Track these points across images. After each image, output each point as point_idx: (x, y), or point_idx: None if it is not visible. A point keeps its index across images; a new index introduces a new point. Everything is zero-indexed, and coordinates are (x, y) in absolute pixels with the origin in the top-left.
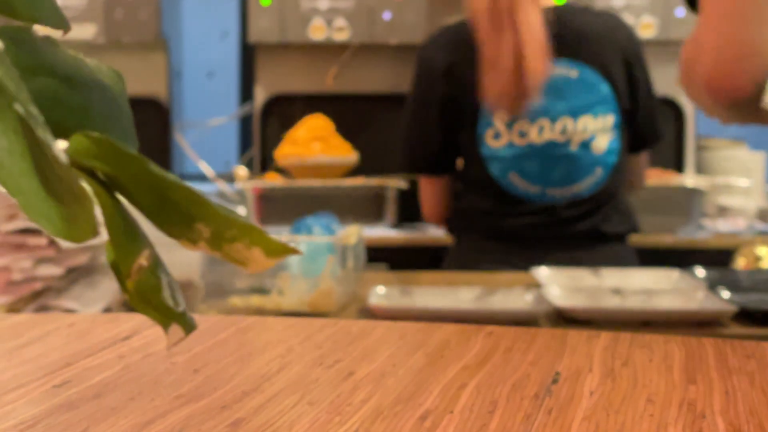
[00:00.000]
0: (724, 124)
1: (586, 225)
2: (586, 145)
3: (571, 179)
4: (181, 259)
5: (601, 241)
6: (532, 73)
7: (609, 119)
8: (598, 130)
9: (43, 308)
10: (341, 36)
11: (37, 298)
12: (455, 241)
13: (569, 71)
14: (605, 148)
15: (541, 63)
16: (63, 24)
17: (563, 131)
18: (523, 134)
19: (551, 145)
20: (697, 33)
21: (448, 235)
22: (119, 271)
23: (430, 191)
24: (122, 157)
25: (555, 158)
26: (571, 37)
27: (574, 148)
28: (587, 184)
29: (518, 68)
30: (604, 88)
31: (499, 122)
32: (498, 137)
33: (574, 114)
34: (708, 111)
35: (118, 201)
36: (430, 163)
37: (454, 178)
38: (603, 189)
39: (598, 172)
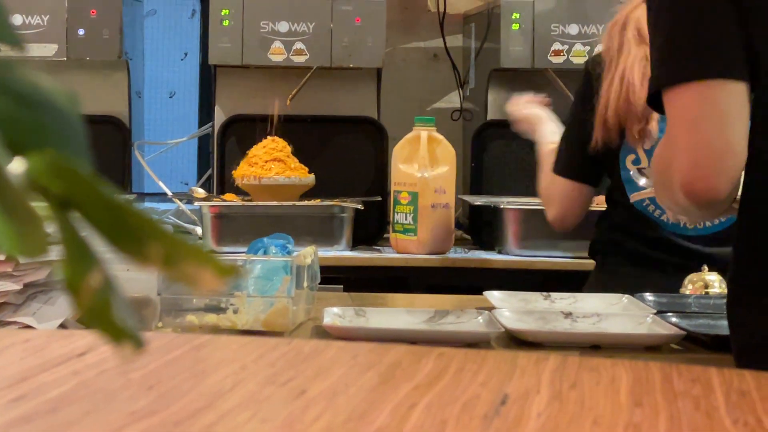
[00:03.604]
0: (692, 224)
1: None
2: None
3: None
4: (137, 277)
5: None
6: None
7: None
8: None
9: (0, 324)
10: (300, 59)
11: None
12: (597, 263)
13: None
14: None
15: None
16: (19, 43)
17: None
18: None
19: None
20: (670, 136)
21: (593, 257)
22: (72, 288)
23: (565, 195)
24: (75, 177)
25: None
26: None
27: None
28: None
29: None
30: None
31: (639, 148)
32: (637, 162)
33: None
34: (680, 212)
35: (71, 220)
36: (574, 167)
37: (593, 191)
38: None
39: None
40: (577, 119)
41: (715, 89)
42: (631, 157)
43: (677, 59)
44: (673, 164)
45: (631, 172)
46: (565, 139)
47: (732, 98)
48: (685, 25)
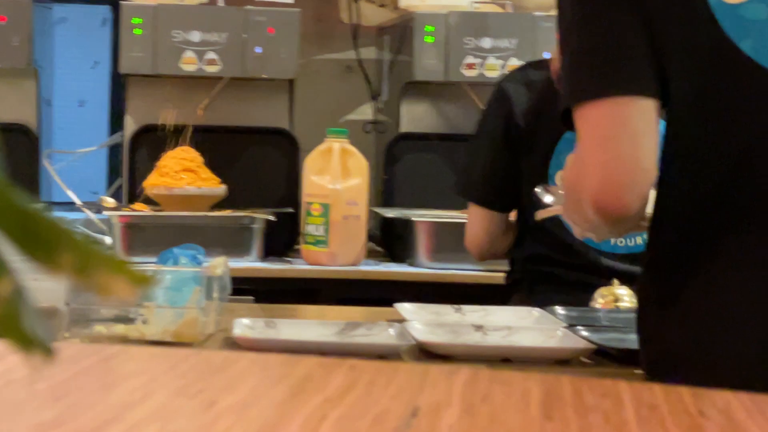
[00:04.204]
0: (599, 241)
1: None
2: None
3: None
4: (46, 287)
5: None
6: None
7: None
8: None
9: None
10: (213, 69)
11: None
12: (519, 289)
13: None
14: None
15: None
16: None
17: None
18: None
19: None
20: (580, 153)
21: (508, 282)
22: None
23: (479, 223)
24: None
25: None
26: None
27: None
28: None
29: None
30: None
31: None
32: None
33: None
34: (590, 229)
35: None
36: (487, 193)
37: (506, 217)
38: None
39: None
40: (485, 147)
41: (624, 106)
42: (560, 174)
43: (587, 76)
44: (584, 180)
45: (537, 189)
46: (469, 165)
47: (642, 115)
48: (593, 42)
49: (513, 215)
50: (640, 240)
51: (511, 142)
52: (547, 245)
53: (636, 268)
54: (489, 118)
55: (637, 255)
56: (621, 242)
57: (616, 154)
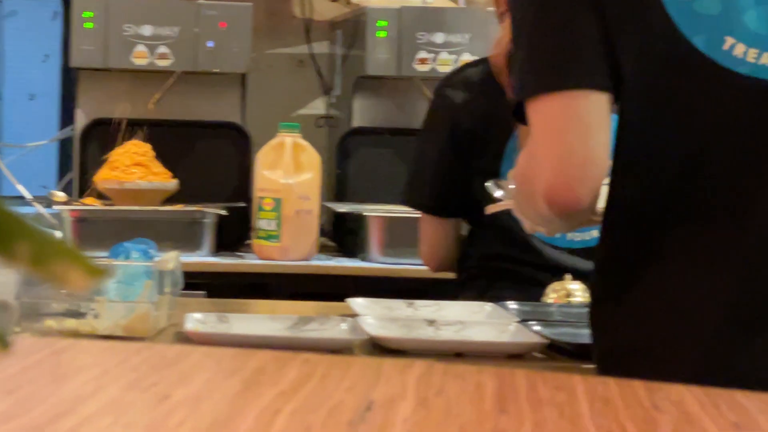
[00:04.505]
0: (550, 235)
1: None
2: None
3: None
4: None
5: None
6: None
7: None
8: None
9: None
10: (164, 63)
11: None
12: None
13: None
14: None
15: None
16: None
17: None
18: None
19: None
20: (532, 147)
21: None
22: None
23: (432, 233)
24: None
25: None
26: None
27: None
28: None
29: None
30: None
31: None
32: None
33: None
34: (541, 223)
35: None
36: (436, 200)
37: (459, 224)
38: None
39: None
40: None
41: (577, 99)
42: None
43: (539, 70)
44: (536, 174)
45: (488, 183)
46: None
47: (594, 108)
48: (547, 36)
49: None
50: (596, 233)
51: (458, 146)
52: (503, 242)
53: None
54: (432, 125)
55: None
56: (577, 237)
57: (569, 148)
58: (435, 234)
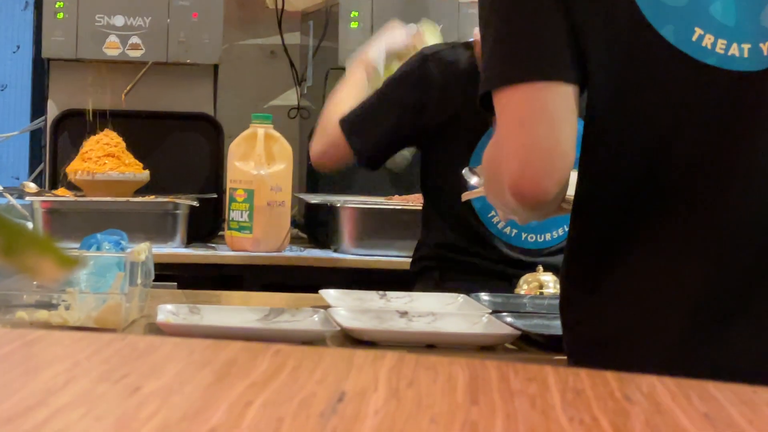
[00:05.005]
0: (523, 223)
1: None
2: None
3: (546, 227)
4: None
5: None
6: None
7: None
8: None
9: None
10: (136, 53)
11: None
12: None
13: None
14: None
15: None
16: None
17: None
18: None
19: None
20: (499, 137)
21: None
22: None
23: (332, 147)
24: None
25: None
26: None
27: None
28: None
29: None
30: None
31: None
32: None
33: None
34: (510, 213)
35: None
36: (374, 151)
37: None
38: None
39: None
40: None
41: (543, 91)
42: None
43: (506, 61)
44: (502, 165)
45: (463, 170)
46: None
47: (561, 100)
48: (514, 26)
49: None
50: (549, 236)
51: (420, 122)
52: (458, 233)
53: (544, 259)
54: (405, 87)
55: (547, 249)
56: (531, 237)
57: (534, 139)
58: (336, 151)
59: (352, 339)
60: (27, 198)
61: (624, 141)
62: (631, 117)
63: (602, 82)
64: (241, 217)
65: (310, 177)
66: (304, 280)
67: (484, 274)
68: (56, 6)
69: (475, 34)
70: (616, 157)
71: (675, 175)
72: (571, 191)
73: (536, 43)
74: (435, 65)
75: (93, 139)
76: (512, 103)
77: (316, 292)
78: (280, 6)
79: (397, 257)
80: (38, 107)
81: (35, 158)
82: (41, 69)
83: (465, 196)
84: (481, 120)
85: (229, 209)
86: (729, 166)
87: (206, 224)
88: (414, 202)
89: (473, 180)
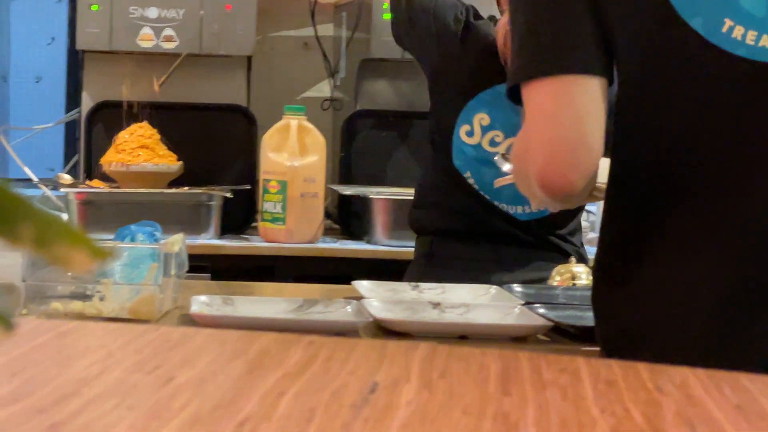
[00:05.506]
0: (554, 210)
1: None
2: None
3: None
4: (3, 263)
5: None
6: None
7: None
8: None
9: None
10: (170, 45)
11: None
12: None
13: None
14: None
15: None
16: None
17: None
18: (493, 143)
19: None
20: (527, 129)
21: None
22: None
23: None
24: None
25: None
26: None
27: None
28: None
29: None
30: None
31: (477, 122)
32: (470, 135)
33: None
34: (539, 204)
35: None
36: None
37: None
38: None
39: None
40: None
41: (571, 85)
42: (465, 128)
43: (535, 54)
44: (529, 157)
45: (496, 157)
46: None
47: (588, 94)
48: (542, 18)
49: None
50: (521, 210)
51: (441, 44)
52: (457, 197)
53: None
54: (446, 17)
55: (541, 220)
56: (525, 210)
57: (561, 133)
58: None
59: (384, 330)
60: (62, 189)
61: (652, 132)
62: (661, 108)
63: (631, 74)
64: (275, 208)
65: (343, 168)
66: (336, 271)
67: (477, 238)
68: None
69: (499, 24)
70: (646, 148)
71: (703, 167)
72: (602, 178)
73: (564, 36)
74: (478, 25)
75: (127, 130)
76: (539, 96)
77: (349, 283)
78: None
79: None
80: (73, 99)
81: (70, 150)
82: (76, 61)
83: (497, 183)
84: (474, 87)
85: (263, 200)
86: (758, 158)
87: (240, 215)
88: None
89: (505, 167)
